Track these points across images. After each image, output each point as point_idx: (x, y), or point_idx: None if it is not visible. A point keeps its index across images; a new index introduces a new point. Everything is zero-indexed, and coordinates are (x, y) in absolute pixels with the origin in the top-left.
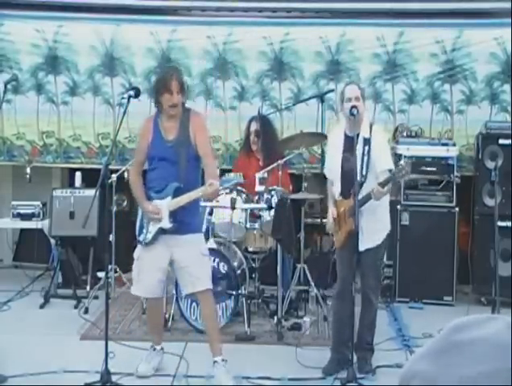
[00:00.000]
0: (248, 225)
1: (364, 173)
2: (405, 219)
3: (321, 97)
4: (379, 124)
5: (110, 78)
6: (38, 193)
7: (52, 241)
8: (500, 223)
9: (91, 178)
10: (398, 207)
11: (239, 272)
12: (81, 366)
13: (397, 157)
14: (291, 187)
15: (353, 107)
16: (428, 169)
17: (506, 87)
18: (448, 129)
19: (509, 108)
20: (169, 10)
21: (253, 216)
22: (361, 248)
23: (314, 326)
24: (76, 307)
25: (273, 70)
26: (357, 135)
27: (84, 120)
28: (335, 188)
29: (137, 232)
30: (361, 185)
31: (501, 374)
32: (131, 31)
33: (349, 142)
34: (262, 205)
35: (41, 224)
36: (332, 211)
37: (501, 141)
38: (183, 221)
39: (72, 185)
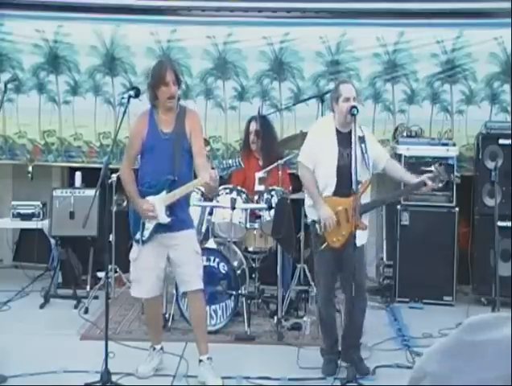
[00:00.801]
0: (248, 225)
1: (364, 171)
2: (405, 219)
3: (321, 97)
4: (379, 124)
5: (111, 78)
6: (38, 193)
7: (52, 241)
8: (500, 223)
9: (91, 178)
10: (398, 207)
11: (239, 272)
12: (81, 366)
13: (397, 157)
14: (290, 187)
15: (354, 107)
16: (428, 169)
17: (506, 87)
18: (448, 129)
19: (509, 108)
20: (169, 10)
21: (253, 216)
22: (359, 243)
23: (314, 326)
24: (76, 307)
25: (273, 70)
26: (349, 133)
27: (85, 119)
28: (323, 183)
29: (131, 231)
30: (358, 183)
31: (505, 381)
32: (131, 31)
33: (342, 138)
34: (262, 205)
35: (41, 224)
36: (330, 211)
37: (501, 141)
38: (178, 217)
39: (72, 185)
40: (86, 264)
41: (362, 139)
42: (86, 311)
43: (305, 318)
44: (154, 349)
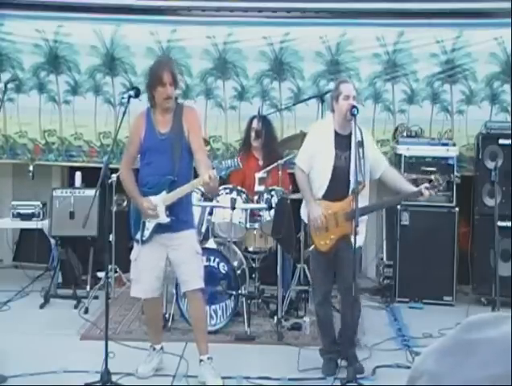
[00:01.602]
0: (248, 225)
1: (362, 176)
2: (405, 219)
3: (321, 97)
4: (379, 124)
5: (111, 77)
6: (38, 193)
7: (52, 241)
8: (500, 223)
9: (91, 178)
10: (398, 207)
11: (239, 272)
12: (81, 366)
13: (397, 157)
14: (290, 187)
15: (354, 107)
16: (428, 169)
17: (506, 87)
18: (448, 129)
19: (509, 108)
20: (169, 10)
21: (254, 216)
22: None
23: (314, 326)
24: (76, 307)
25: (273, 70)
26: (349, 136)
27: (85, 119)
28: (317, 185)
29: (132, 231)
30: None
31: (504, 379)
32: (131, 31)
33: (340, 141)
34: (262, 205)
35: (41, 224)
36: (320, 211)
37: (501, 141)
38: (178, 217)
39: (72, 185)
40: (86, 264)
41: (360, 144)
42: (86, 311)
43: (305, 318)
44: (154, 349)
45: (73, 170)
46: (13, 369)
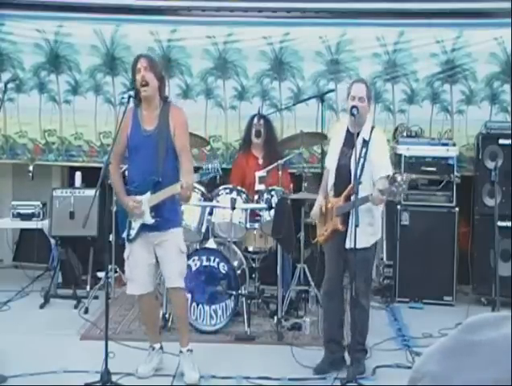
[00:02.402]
0: (248, 225)
1: (358, 175)
2: (405, 219)
3: (321, 97)
4: (379, 124)
5: (111, 77)
6: (38, 193)
7: (52, 241)
8: (500, 223)
9: (91, 178)
10: (398, 207)
11: (239, 272)
12: (81, 366)
13: (397, 157)
14: (291, 187)
15: (354, 107)
16: (428, 169)
17: (506, 87)
18: (448, 129)
19: (509, 108)
20: (169, 10)
21: (254, 216)
22: (348, 245)
23: (314, 326)
24: (76, 307)
25: (273, 70)
26: (357, 134)
27: (85, 118)
28: (330, 181)
29: (119, 230)
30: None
31: (505, 381)
32: (131, 31)
33: (350, 138)
34: (262, 205)
35: (41, 224)
36: (320, 202)
37: (501, 141)
38: (164, 217)
39: (72, 185)
40: (86, 264)
41: (366, 143)
42: (86, 311)
43: (305, 318)
44: (154, 349)
45: (73, 170)
46: (13, 369)
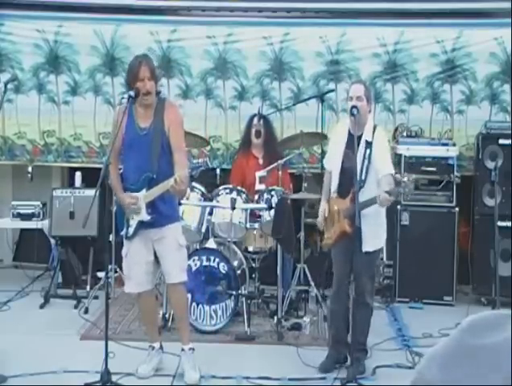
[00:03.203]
0: (248, 225)
1: (363, 177)
2: (405, 219)
3: (321, 97)
4: (379, 124)
5: (111, 78)
6: (38, 193)
7: (52, 241)
8: (500, 223)
9: (91, 178)
10: (398, 207)
11: (239, 272)
12: (81, 366)
13: (397, 157)
14: (291, 187)
15: (353, 107)
16: (428, 169)
17: (506, 87)
18: (448, 129)
19: (509, 108)
20: (169, 10)
21: (254, 216)
22: (364, 249)
23: (314, 326)
24: (76, 307)
25: (273, 70)
26: (360, 136)
27: (85, 119)
28: (333, 184)
29: (118, 227)
30: (360, 188)
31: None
32: (131, 31)
33: (352, 141)
34: (262, 205)
35: (41, 224)
36: (324, 208)
37: (501, 141)
38: (162, 213)
39: (72, 185)
40: (86, 264)
41: (369, 145)
42: (86, 311)
43: (305, 318)
44: (153, 348)
45: (73, 170)
46: (13, 369)
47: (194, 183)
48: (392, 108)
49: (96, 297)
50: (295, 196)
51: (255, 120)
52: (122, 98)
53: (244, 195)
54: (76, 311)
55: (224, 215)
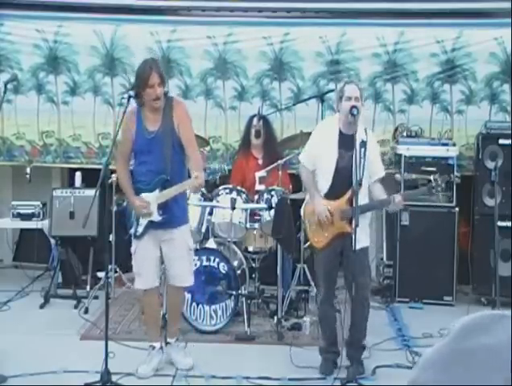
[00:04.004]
0: (248, 225)
1: (360, 176)
2: (405, 219)
3: (321, 97)
4: (379, 124)
5: (110, 78)
6: (38, 193)
7: (52, 241)
8: (500, 223)
9: (91, 178)
10: None
11: (239, 272)
12: (81, 366)
13: (397, 157)
14: (290, 187)
15: (354, 107)
16: (428, 169)
17: (506, 87)
18: (448, 129)
19: (508, 108)
20: (169, 10)
21: (254, 216)
22: (358, 246)
23: (314, 326)
24: (76, 307)
25: (273, 70)
26: (352, 136)
27: (84, 120)
28: (321, 184)
29: (128, 225)
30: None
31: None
32: (131, 31)
33: (345, 140)
34: (262, 205)
35: (41, 224)
36: (325, 206)
37: (501, 141)
38: (173, 214)
39: (72, 185)
40: (86, 264)
41: (364, 144)
42: (86, 311)
43: (305, 318)
44: (154, 348)
45: (73, 170)
46: (13, 369)
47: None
48: (392, 108)
49: (96, 297)
50: (295, 196)
51: (255, 120)
52: (122, 98)
53: (244, 195)
54: (76, 311)
55: (224, 215)
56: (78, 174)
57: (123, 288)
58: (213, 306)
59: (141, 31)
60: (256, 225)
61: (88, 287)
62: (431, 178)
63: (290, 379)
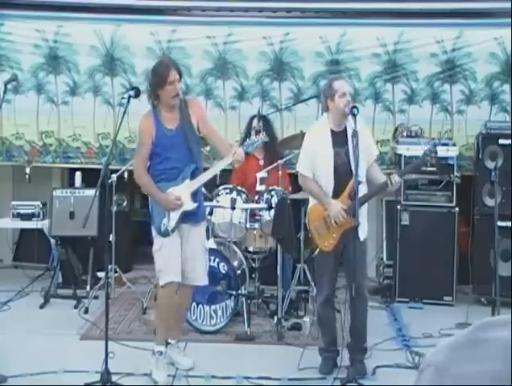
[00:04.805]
0: (248, 225)
1: (362, 166)
2: (405, 219)
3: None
4: (379, 124)
5: (110, 78)
6: (38, 193)
7: (52, 241)
8: (500, 223)
9: (91, 178)
10: (398, 207)
11: (239, 272)
12: (81, 366)
13: (397, 157)
14: (290, 187)
15: (354, 107)
16: (428, 169)
17: (506, 87)
18: (448, 129)
19: (508, 108)
20: (169, 10)
21: (254, 216)
22: (362, 237)
23: (314, 326)
24: (76, 307)
25: (273, 70)
26: (344, 130)
27: (84, 120)
28: (325, 186)
29: (154, 226)
30: (359, 182)
31: (505, 376)
32: (131, 31)
33: (338, 137)
34: (262, 205)
35: (41, 224)
36: (339, 207)
37: (501, 141)
38: (200, 207)
39: (72, 185)
40: (86, 264)
41: (355, 133)
42: (86, 311)
43: (305, 318)
44: (161, 354)
45: (73, 170)
46: (13, 369)
47: None
48: (392, 108)
49: (96, 297)
50: (295, 196)
51: (255, 121)
52: (122, 98)
53: (244, 195)
54: (76, 311)
55: (224, 215)
56: (78, 174)
57: (123, 288)
58: (213, 306)
59: (141, 31)
60: (256, 225)
61: (88, 287)
62: (422, 148)
63: (290, 379)
